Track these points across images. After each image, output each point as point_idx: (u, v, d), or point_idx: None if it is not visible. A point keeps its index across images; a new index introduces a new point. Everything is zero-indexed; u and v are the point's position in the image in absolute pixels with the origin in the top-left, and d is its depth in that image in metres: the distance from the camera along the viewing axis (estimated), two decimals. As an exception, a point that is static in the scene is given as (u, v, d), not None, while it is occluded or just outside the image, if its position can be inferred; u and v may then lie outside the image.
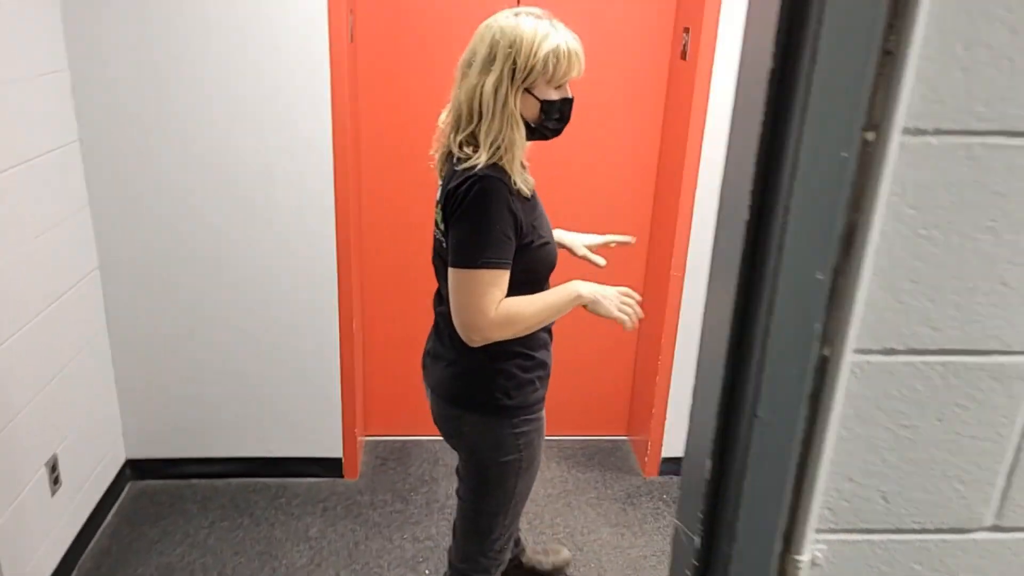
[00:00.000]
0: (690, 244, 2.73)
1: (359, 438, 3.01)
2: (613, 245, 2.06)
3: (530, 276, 1.64)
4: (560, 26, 1.58)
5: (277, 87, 2.48)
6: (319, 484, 2.91)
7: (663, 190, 2.89)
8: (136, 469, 2.87)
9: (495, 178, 1.52)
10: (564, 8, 2.76)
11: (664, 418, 2.95)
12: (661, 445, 2.99)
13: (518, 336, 1.62)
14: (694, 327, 2.83)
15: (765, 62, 0.69)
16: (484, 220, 1.51)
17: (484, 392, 1.69)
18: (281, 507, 2.78)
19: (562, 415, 3.24)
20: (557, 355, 3.14)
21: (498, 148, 1.53)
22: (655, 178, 2.95)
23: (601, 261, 2.00)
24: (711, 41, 2.53)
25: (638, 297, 1.79)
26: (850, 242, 0.70)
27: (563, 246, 1.99)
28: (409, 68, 2.75)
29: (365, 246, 2.93)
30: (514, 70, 1.52)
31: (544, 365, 1.79)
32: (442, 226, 1.62)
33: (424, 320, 3.15)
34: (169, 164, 2.53)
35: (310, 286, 2.70)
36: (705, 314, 0.85)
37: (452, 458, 3.09)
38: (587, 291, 1.67)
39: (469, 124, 1.57)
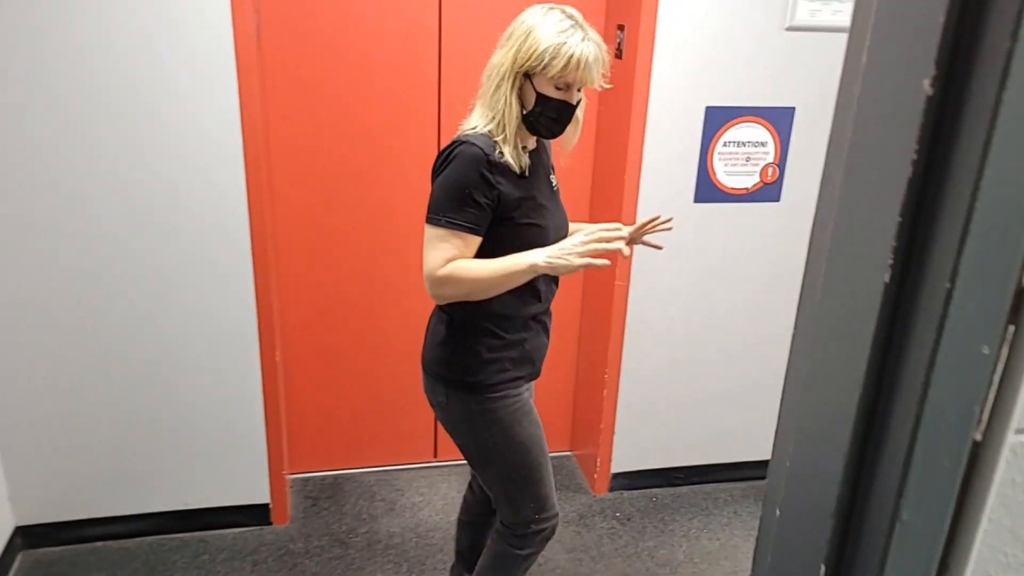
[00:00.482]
0: (634, 252, 2.61)
1: (287, 478, 2.74)
2: (648, 234, 1.96)
3: (506, 252, 1.66)
4: (588, 32, 1.62)
5: (178, 97, 2.19)
6: (245, 535, 2.62)
7: (601, 196, 2.76)
8: (28, 537, 2.50)
9: (476, 145, 1.61)
10: (486, 3, 2.62)
11: (613, 432, 2.83)
12: (610, 460, 2.87)
13: (470, 299, 1.68)
14: (640, 337, 2.73)
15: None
16: (452, 180, 1.62)
17: (450, 366, 1.78)
18: (204, 565, 2.49)
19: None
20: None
21: (493, 120, 1.63)
22: (591, 183, 2.82)
23: (626, 251, 1.93)
24: (649, 39, 2.42)
25: (610, 227, 1.66)
26: (1019, 307, 0.57)
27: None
28: (320, 69, 2.50)
29: (283, 265, 2.67)
30: (517, 54, 1.60)
31: (518, 345, 1.79)
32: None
33: (348, 339, 2.96)
34: (61, 185, 2.19)
35: (225, 315, 2.41)
36: (805, 398, 0.69)
37: (389, 491, 2.88)
38: (541, 258, 1.62)
39: (477, 95, 1.69)
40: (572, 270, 1.62)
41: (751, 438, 2.98)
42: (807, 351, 0.69)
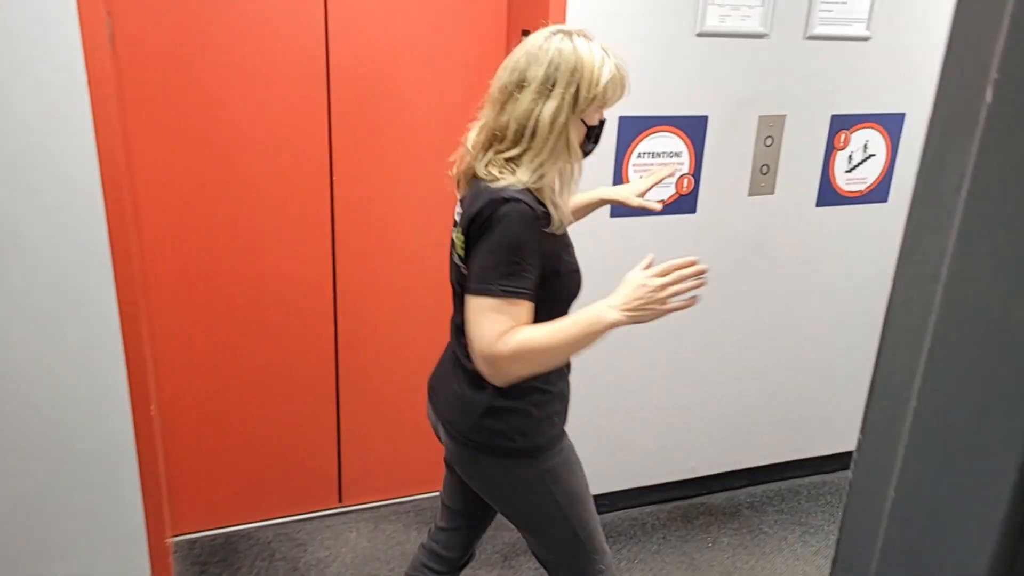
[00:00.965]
0: (549, 272, 2.44)
1: (169, 542, 2.41)
2: (659, 181, 1.95)
3: (552, 306, 1.52)
4: (607, 48, 1.50)
5: (20, 121, 1.84)
6: (123, 616, 2.28)
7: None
8: None
9: (524, 203, 1.41)
10: (381, 10, 2.40)
11: (533, 464, 2.65)
12: (531, 493, 2.69)
13: (538, 373, 1.51)
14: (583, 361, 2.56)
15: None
16: (504, 243, 1.41)
17: (499, 435, 1.57)
18: (73, 659, 2.13)
19: (411, 472, 2.84)
20: (396, 408, 2.77)
21: (542, 175, 1.45)
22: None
23: (657, 206, 1.93)
24: (556, 45, 2.25)
25: (685, 263, 1.43)
26: None
27: (615, 202, 1.96)
28: (183, 76, 2.20)
29: (153, 301, 2.34)
30: (576, 97, 1.43)
31: (563, 397, 1.68)
32: (461, 251, 1.49)
33: (233, 377, 2.64)
34: None
35: (86, 370, 2.07)
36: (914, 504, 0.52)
37: (290, 547, 2.59)
38: (616, 314, 1.43)
39: (515, 147, 1.46)
40: (654, 319, 1.45)
41: (676, 458, 2.88)
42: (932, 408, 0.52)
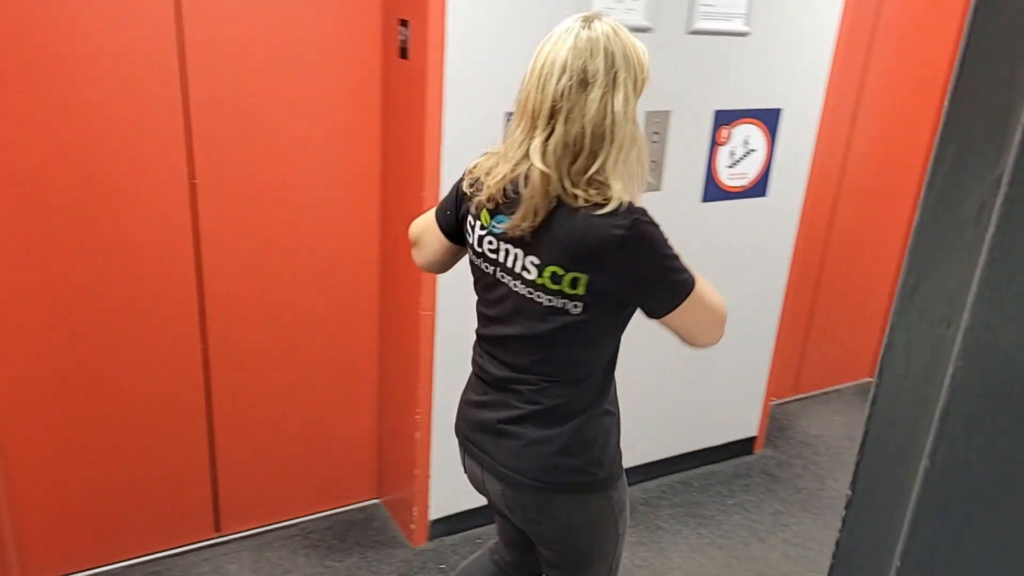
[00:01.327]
0: (438, 278, 2.33)
1: (19, 596, 2.13)
2: None
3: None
4: None
5: None
6: None
7: (396, 213, 2.44)
8: None
9: (638, 210, 1.32)
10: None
11: (428, 476, 2.54)
12: (428, 507, 2.57)
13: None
14: (452, 370, 2.45)
15: None
16: (662, 246, 1.34)
17: (580, 472, 1.46)
18: None
19: (295, 493, 2.66)
20: (275, 426, 2.57)
21: (632, 177, 1.35)
22: (379, 200, 2.49)
23: None
24: (438, 36, 2.13)
25: None
26: None
27: None
28: (24, 70, 1.93)
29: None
30: (635, 81, 1.33)
31: (618, 414, 1.58)
32: (569, 287, 1.35)
33: (78, 405, 2.34)
34: None
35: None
36: None
37: (163, 585, 2.35)
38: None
39: (595, 156, 1.31)
40: None
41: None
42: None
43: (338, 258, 2.48)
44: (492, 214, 1.41)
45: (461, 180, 1.52)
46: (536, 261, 1.36)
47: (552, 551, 1.59)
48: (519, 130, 1.36)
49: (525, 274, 1.38)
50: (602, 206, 1.30)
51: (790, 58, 2.70)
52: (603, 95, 1.29)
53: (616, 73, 1.30)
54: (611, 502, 1.53)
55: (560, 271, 1.34)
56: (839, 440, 3.44)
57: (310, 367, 2.54)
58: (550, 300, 1.37)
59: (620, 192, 1.31)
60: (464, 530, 2.68)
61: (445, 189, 2.23)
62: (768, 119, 2.74)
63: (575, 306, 1.37)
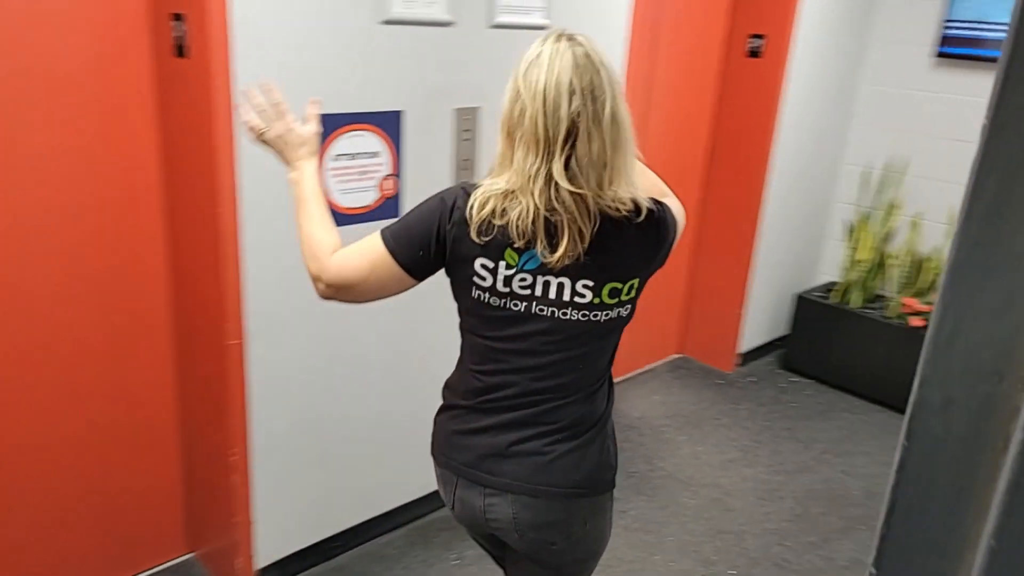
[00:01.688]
0: (245, 298, 2.08)
1: None
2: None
3: None
4: None
5: None
6: None
7: (188, 233, 2.15)
8: None
9: (660, 204, 1.42)
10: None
11: (251, 523, 2.28)
12: (252, 555, 2.31)
13: None
14: (269, 403, 2.21)
15: None
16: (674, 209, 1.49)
17: (609, 468, 1.51)
18: None
19: (87, 560, 2.30)
20: (47, 484, 2.19)
21: (635, 176, 1.38)
22: (162, 218, 2.18)
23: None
24: (221, 33, 1.88)
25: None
26: None
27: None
28: None
29: None
30: (621, 88, 1.36)
31: None
32: (627, 294, 1.40)
33: None
34: None
35: None
36: None
37: None
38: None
39: (613, 167, 1.32)
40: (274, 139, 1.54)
41: (405, 477, 2.69)
42: None
43: (114, 284, 2.15)
44: (520, 252, 1.33)
45: (442, 223, 1.36)
46: (590, 284, 1.35)
47: (559, 566, 1.55)
48: (530, 158, 1.29)
49: (578, 299, 1.36)
50: (637, 211, 1.34)
51: (589, 51, 2.71)
52: (612, 107, 1.30)
53: (613, 83, 1.32)
54: (612, 503, 1.57)
55: (619, 285, 1.37)
56: (661, 420, 3.58)
57: (92, 412, 2.19)
58: (607, 315, 1.39)
59: (636, 192, 1.36)
60: (296, 573, 2.45)
61: (248, 201, 2.00)
62: (572, 112, 2.74)
63: (625, 309, 1.41)
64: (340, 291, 1.41)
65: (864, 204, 4.12)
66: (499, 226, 1.31)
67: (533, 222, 1.29)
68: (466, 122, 2.43)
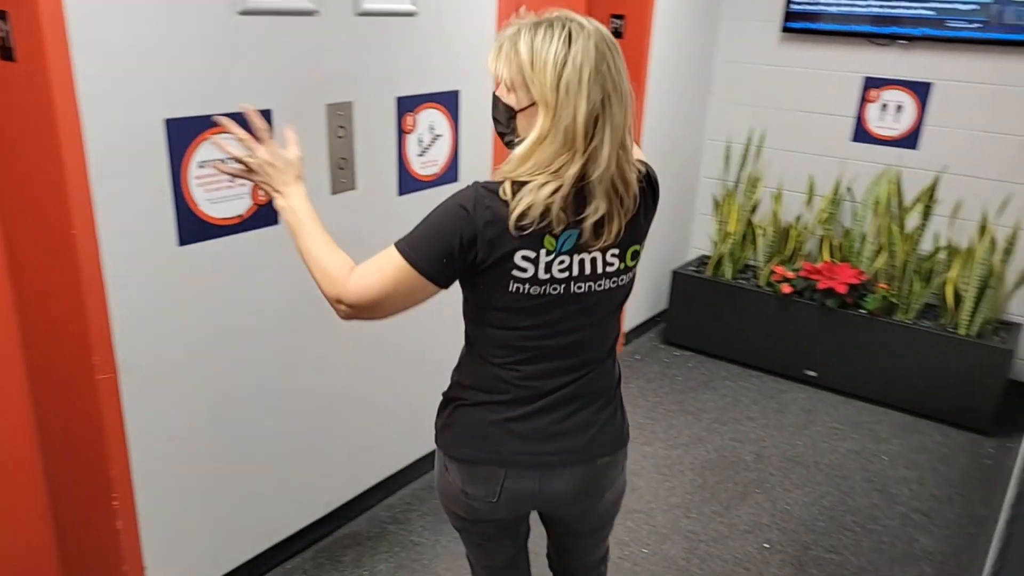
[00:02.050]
0: (115, 325, 1.87)
1: None
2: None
3: None
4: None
5: None
6: None
7: (32, 255, 1.90)
8: None
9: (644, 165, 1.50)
10: None
11: (143, 568, 2.07)
12: (145, 608, 2.10)
13: None
14: (148, 436, 2.01)
15: None
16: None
17: (625, 419, 1.64)
18: None
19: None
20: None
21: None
22: None
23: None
24: (57, 31, 1.66)
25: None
26: None
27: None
28: None
29: None
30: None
31: None
32: (632, 261, 1.46)
33: None
34: None
35: None
36: None
37: None
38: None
39: (629, 135, 1.37)
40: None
41: (307, 498, 2.54)
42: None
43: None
44: (556, 236, 1.34)
45: (467, 228, 1.32)
46: (616, 251, 1.40)
47: (595, 520, 1.67)
48: (558, 142, 1.29)
49: (608, 268, 1.41)
50: (639, 173, 1.40)
51: (459, 37, 2.63)
52: (625, 81, 1.35)
53: (620, 56, 1.35)
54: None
55: (638, 247, 1.45)
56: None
57: None
58: (629, 277, 1.47)
59: (639, 152, 1.47)
60: (198, 617, 2.26)
61: (108, 213, 1.79)
62: (448, 102, 2.66)
63: (636, 268, 1.49)
64: (364, 310, 1.39)
65: (729, 178, 4.29)
66: (536, 215, 1.30)
67: (570, 204, 1.32)
68: (339, 118, 2.29)
